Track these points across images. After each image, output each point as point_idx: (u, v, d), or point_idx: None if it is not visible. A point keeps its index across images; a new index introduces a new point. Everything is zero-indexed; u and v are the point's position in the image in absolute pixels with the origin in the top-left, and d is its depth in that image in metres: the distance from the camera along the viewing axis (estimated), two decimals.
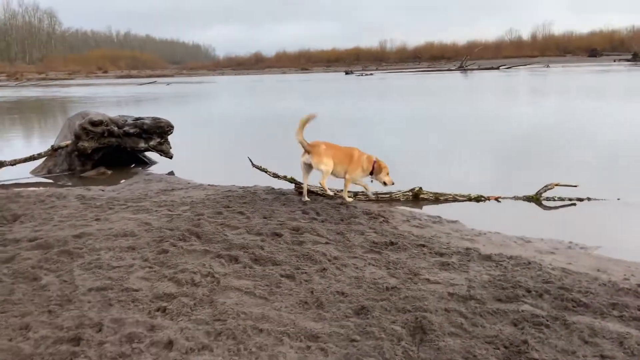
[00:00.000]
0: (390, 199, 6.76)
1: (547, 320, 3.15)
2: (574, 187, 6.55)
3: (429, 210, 6.39)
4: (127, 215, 5.66)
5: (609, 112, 16.02)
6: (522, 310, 3.28)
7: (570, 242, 5.00)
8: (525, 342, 2.90)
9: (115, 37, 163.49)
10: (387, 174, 6.52)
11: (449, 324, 3.16)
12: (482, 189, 6.85)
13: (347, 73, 67.97)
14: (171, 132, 9.58)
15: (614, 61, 67.24)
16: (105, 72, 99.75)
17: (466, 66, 61.75)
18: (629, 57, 67.00)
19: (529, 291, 3.60)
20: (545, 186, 6.53)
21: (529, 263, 4.15)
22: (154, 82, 60.58)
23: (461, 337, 3.01)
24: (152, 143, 9.45)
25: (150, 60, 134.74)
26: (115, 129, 9.33)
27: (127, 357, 2.80)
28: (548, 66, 60.33)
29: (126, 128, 9.35)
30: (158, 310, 3.34)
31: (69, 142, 9.04)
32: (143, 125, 9.34)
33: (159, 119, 9.49)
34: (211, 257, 4.25)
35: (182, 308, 3.34)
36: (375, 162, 6.49)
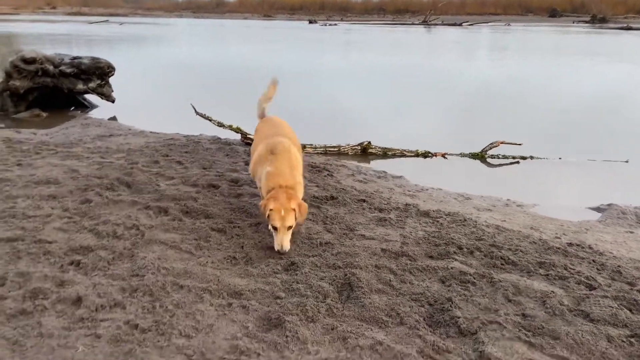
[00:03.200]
0: (339, 153, 6.63)
1: (474, 278, 3.13)
2: (519, 146, 6.59)
3: (376, 165, 6.31)
4: (54, 161, 5.28)
5: (564, 73, 16.24)
6: (452, 267, 3.26)
7: (509, 200, 5.04)
8: (449, 299, 2.88)
9: None
10: None
11: (378, 280, 3.10)
12: (432, 145, 6.81)
13: (310, 22, 65.98)
14: (112, 74, 8.99)
15: (573, 22, 67.92)
16: (54, 7, 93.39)
17: (430, 21, 61.04)
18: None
19: (460, 248, 3.58)
20: (491, 144, 6.54)
21: (465, 220, 4.13)
22: (106, 21, 57.37)
23: (387, 294, 2.96)
24: (91, 85, 8.86)
25: None
26: (51, 67, 8.66)
27: (28, 315, 2.59)
28: (509, 24, 60.46)
29: (62, 67, 8.70)
30: (71, 264, 3.11)
31: None
32: (81, 65, 8.70)
33: (97, 59, 8.86)
34: (138, 209, 4.00)
35: (99, 262, 3.12)
36: None
